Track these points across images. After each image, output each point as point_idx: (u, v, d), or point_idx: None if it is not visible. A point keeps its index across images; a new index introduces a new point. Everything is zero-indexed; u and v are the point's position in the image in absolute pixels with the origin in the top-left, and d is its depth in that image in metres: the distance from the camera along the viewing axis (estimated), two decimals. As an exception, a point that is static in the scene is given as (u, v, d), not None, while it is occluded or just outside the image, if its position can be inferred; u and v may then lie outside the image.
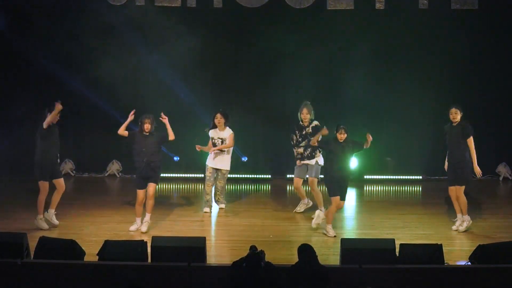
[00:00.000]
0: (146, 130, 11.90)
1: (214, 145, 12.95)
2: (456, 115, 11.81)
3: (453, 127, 11.85)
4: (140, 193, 11.91)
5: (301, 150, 12.62)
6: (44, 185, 11.96)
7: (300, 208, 13.15)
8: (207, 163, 13.18)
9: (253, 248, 8.44)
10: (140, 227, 11.89)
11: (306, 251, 8.38)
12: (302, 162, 12.64)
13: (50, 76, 16.25)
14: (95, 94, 16.05)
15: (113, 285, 8.63)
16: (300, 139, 12.63)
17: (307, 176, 12.74)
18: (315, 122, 12.62)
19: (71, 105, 16.13)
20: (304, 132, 12.61)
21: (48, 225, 11.92)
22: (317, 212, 12.21)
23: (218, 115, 12.87)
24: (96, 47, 15.94)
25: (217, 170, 13.12)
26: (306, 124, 12.61)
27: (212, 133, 13.02)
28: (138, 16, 16.08)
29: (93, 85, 16.07)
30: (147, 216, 11.96)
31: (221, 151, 12.94)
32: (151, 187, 11.93)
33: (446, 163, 11.95)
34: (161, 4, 16.15)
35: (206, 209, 13.11)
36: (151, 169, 11.90)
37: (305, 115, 12.57)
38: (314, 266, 8.29)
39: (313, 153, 12.61)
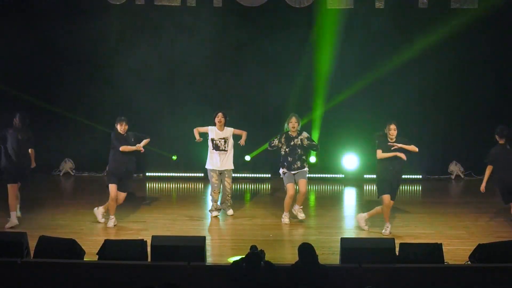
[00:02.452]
0: (123, 132, 12.14)
1: (217, 146, 12.76)
2: (395, 132, 11.69)
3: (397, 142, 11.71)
4: (114, 188, 12.22)
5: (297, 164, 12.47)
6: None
7: (287, 220, 12.66)
8: (211, 167, 12.78)
9: (253, 248, 8.45)
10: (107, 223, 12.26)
11: (307, 250, 8.37)
12: (292, 172, 12.44)
13: (49, 77, 16.27)
14: (94, 93, 16.04)
15: (113, 284, 8.63)
16: (287, 150, 12.40)
17: (301, 179, 12.47)
18: (305, 135, 12.50)
19: (71, 103, 16.23)
20: (292, 143, 12.41)
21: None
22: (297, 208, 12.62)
23: (220, 114, 12.72)
24: (95, 47, 15.97)
25: (222, 172, 12.86)
26: (294, 134, 12.43)
27: (213, 133, 12.79)
28: (138, 16, 16.09)
29: (91, 84, 16.07)
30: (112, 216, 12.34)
31: (225, 150, 12.74)
32: (122, 195, 12.31)
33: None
34: (160, 3, 16.13)
35: (215, 213, 12.89)
36: (128, 172, 12.22)
37: (294, 123, 12.37)
38: (314, 266, 8.29)
39: (304, 164, 12.50)
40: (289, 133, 12.42)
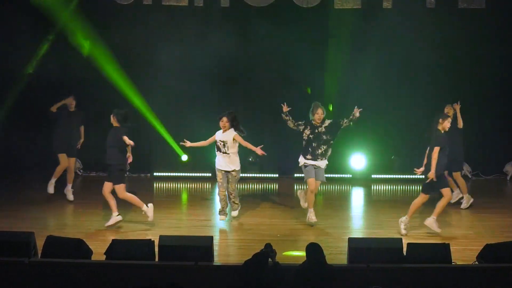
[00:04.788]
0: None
1: (218, 147, 12.59)
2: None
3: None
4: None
5: (320, 150, 12.34)
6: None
7: (314, 218, 12.45)
8: (217, 166, 12.67)
9: (267, 246, 8.43)
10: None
11: (315, 250, 8.36)
12: (312, 163, 12.38)
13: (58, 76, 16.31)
14: (99, 93, 16.04)
15: (121, 284, 8.65)
16: (311, 137, 12.32)
17: (319, 180, 12.44)
18: (328, 121, 12.41)
19: (79, 103, 16.25)
20: (317, 131, 12.33)
21: None
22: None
23: (224, 119, 12.57)
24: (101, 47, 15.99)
25: (227, 172, 12.66)
26: (317, 124, 12.39)
27: (217, 136, 12.60)
28: (145, 16, 16.11)
29: (96, 84, 16.08)
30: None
31: (226, 153, 12.56)
32: (105, 185, 12.20)
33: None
34: (168, 3, 16.14)
35: (222, 217, 12.65)
36: (107, 164, 12.22)
37: (320, 115, 12.31)
38: (322, 266, 8.28)
39: (328, 152, 12.41)
40: (313, 122, 12.38)
